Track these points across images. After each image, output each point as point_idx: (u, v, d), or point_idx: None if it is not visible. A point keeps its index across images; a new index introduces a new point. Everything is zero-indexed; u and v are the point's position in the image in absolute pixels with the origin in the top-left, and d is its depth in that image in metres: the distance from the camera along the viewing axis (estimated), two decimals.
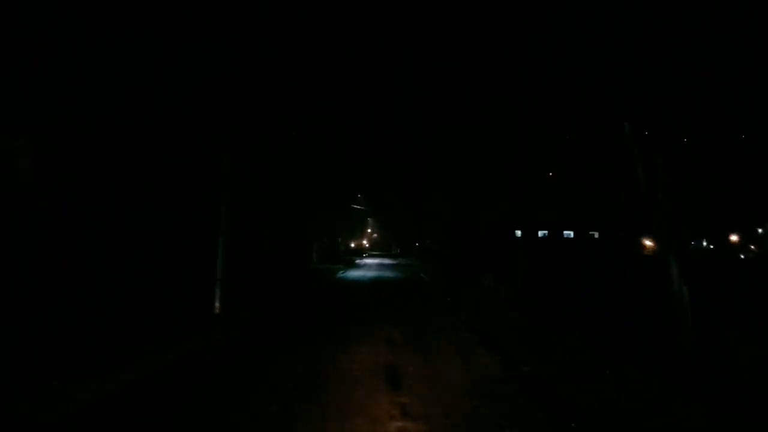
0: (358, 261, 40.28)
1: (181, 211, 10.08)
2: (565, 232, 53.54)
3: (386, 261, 42.74)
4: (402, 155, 56.55)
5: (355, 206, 52.52)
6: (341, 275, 23.72)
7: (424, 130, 50.65)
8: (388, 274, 25.10)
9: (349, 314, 11.13)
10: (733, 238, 70.79)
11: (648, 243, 66.83)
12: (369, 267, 31.98)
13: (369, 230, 79.68)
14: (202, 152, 10.72)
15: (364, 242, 74.63)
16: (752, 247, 68.60)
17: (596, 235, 54.90)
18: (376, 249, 74.56)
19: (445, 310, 12.15)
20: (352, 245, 60.99)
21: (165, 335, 7.49)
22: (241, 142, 20.20)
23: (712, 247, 73.73)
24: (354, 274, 24.69)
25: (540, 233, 51.40)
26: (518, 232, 53.77)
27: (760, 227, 70.37)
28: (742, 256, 60.24)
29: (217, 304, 9.49)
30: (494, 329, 9.29)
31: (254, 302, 11.76)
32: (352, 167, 47.12)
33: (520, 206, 16.24)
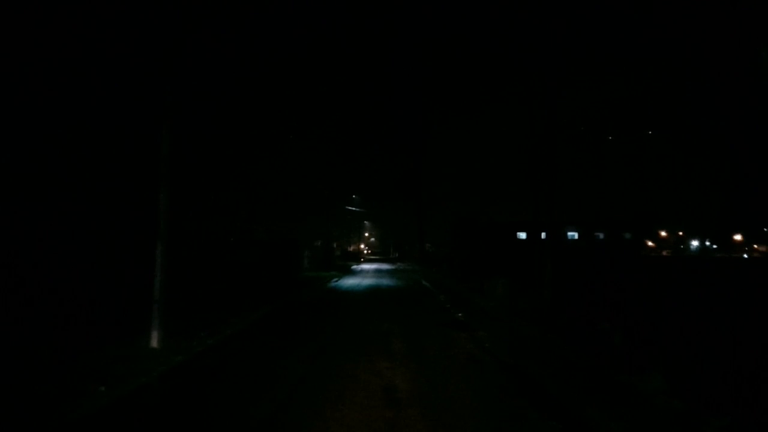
0: (354, 267, 37.70)
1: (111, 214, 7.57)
2: (569, 233, 51.37)
3: (384, 266, 40.17)
4: (399, 155, 54.40)
5: (351, 207, 49.96)
6: (334, 284, 21.14)
7: (421, 128, 48.47)
8: (386, 281, 22.53)
9: (336, 340, 8.56)
10: (737, 237, 68.70)
11: (650, 243, 64.81)
12: (365, 273, 29.41)
13: (366, 234, 77.29)
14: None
15: (362, 246, 72.19)
16: (755, 246, 66.44)
17: (601, 235, 52.82)
18: (374, 253, 72.17)
19: (458, 329, 9.60)
20: (350, 249, 58.51)
21: (44, 395, 4.88)
22: (215, 136, 17.60)
23: (715, 246, 71.59)
24: (348, 282, 22.11)
25: (542, 234, 49.03)
26: (522, 234, 51.40)
27: (766, 227, 68.19)
28: (745, 256, 57.92)
29: (154, 335, 6.91)
30: (532, 363, 6.74)
31: (219, 324, 9.19)
32: (348, 168, 44.80)
33: (543, 204, 13.69)
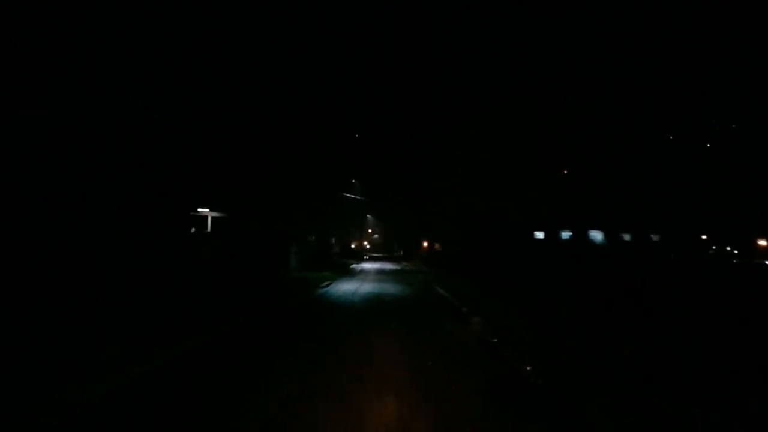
0: (354, 266, 32.84)
1: None
2: (591, 232, 46.76)
3: (388, 266, 35.23)
4: (406, 150, 50.17)
5: (351, 195, 45.08)
6: (323, 290, 16.39)
7: (429, 122, 44.21)
8: (391, 288, 17.69)
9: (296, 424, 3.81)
10: (762, 242, 63.37)
11: None
12: (366, 275, 24.61)
13: (369, 230, 72.74)
14: None
15: (365, 243, 67.62)
16: None
17: (626, 237, 48.29)
18: (377, 251, 67.61)
19: (551, 423, 4.75)
20: (351, 245, 53.81)
21: None
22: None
23: (736, 252, 66.37)
24: (343, 288, 17.33)
25: (564, 234, 44.73)
26: (540, 234, 46.42)
27: None
28: (767, 262, 52.48)
29: None
30: None
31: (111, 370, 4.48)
32: (352, 161, 40.55)
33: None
